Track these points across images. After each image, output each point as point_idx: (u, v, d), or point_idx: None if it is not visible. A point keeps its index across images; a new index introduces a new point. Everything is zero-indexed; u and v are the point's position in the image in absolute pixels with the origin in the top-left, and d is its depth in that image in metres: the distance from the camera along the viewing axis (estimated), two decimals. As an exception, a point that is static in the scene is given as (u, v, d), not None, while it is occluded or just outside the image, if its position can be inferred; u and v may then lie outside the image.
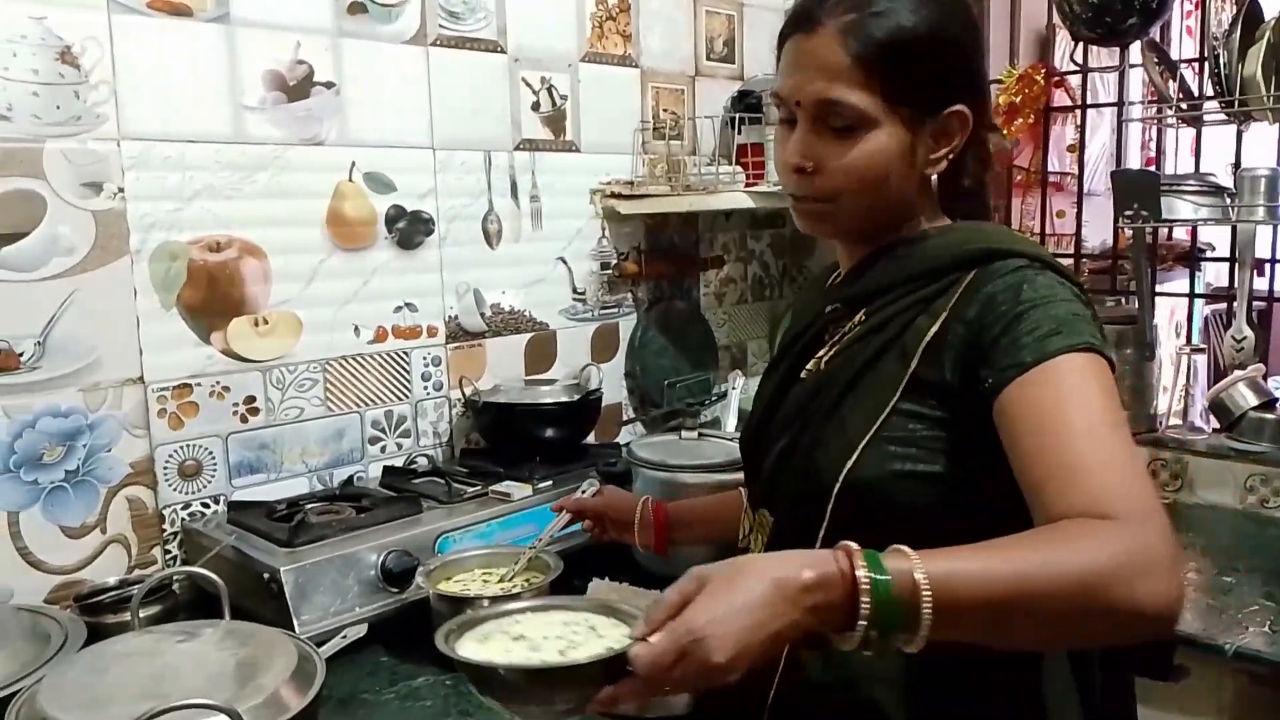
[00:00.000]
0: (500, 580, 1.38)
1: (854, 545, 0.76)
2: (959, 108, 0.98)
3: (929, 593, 0.72)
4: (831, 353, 1.04)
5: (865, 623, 0.73)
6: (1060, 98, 2.33)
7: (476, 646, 0.91)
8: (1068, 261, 2.32)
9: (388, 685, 1.25)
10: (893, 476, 0.93)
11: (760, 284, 2.50)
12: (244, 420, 1.62)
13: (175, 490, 1.55)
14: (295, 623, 1.29)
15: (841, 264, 1.11)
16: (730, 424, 2.01)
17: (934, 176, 1.02)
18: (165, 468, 1.54)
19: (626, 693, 0.77)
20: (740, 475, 1.53)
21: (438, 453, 1.88)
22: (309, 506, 1.54)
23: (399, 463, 1.80)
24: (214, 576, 1.23)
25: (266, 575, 1.33)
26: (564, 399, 1.81)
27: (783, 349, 1.14)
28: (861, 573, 0.73)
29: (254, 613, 1.30)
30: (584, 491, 1.41)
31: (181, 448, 1.55)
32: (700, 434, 1.69)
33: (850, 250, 1.08)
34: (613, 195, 2.07)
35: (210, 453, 1.58)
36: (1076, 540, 0.76)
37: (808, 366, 1.07)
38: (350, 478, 1.74)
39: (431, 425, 1.87)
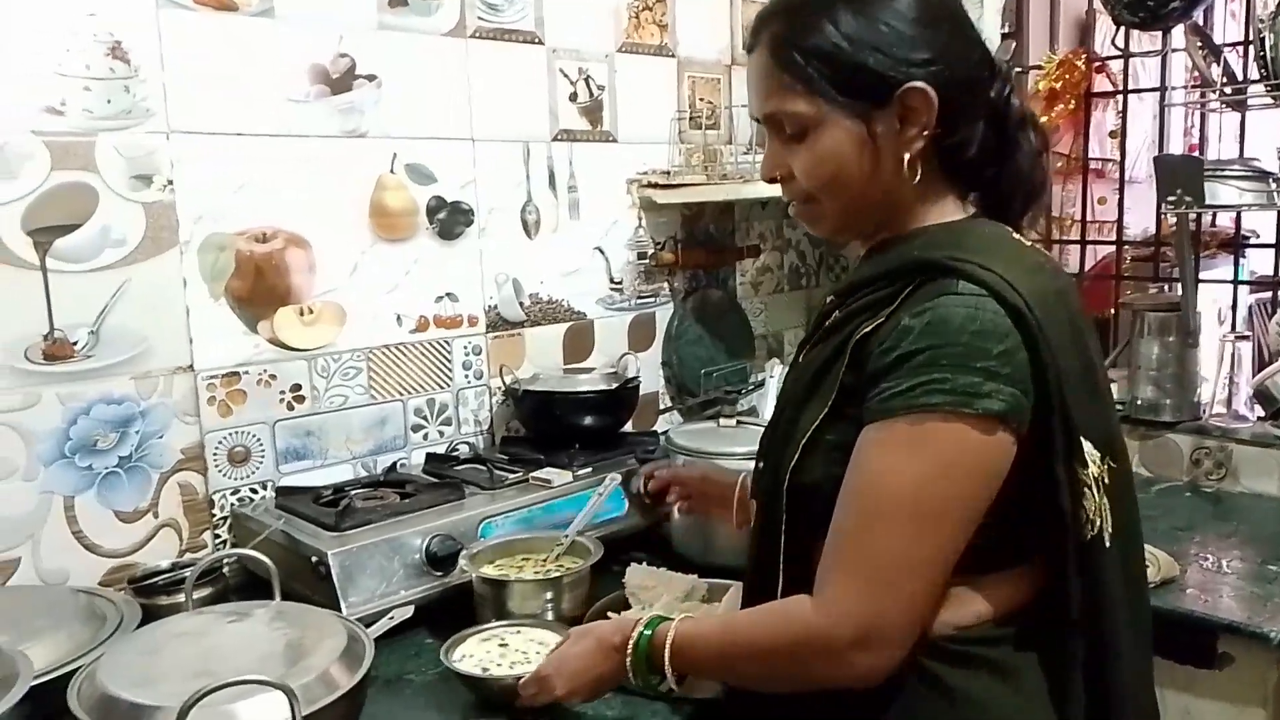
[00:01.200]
0: (541, 564, 1.40)
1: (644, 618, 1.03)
2: (914, 85, 0.93)
3: (669, 652, 0.99)
4: (809, 347, 1.06)
5: (630, 670, 1.02)
6: (1101, 83, 2.30)
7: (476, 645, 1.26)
8: (1105, 250, 2.30)
9: (433, 666, 1.27)
10: (828, 480, 0.93)
11: (797, 273, 2.50)
12: (290, 408, 1.65)
13: (225, 476, 1.58)
14: (343, 605, 1.32)
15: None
16: (767, 412, 2.01)
17: (933, 160, 0.98)
18: (215, 454, 1.57)
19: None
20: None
21: (479, 440, 1.90)
22: (354, 492, 1.56)
23: (441, 450, 1.82)
24: (265, 559, 1.26)
25: (314, 558, 1.36)
26: (602, 387, 1.83)
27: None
28: (633, 635, 1.02)
29: (302, 595, 1.33)
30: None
31: (230, 434, 1.59)
32: (739, 421, 1.70)
33: (862, 246, 1.08)
34: (649, 185, 2.08)
35: (258, 439, 1.62)
36: (778, 626, 0.94)
37: (804, 353, 1.09)
38: (394, 464, 1.76)
39: (473, 413, 1.89)
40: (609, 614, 1.31)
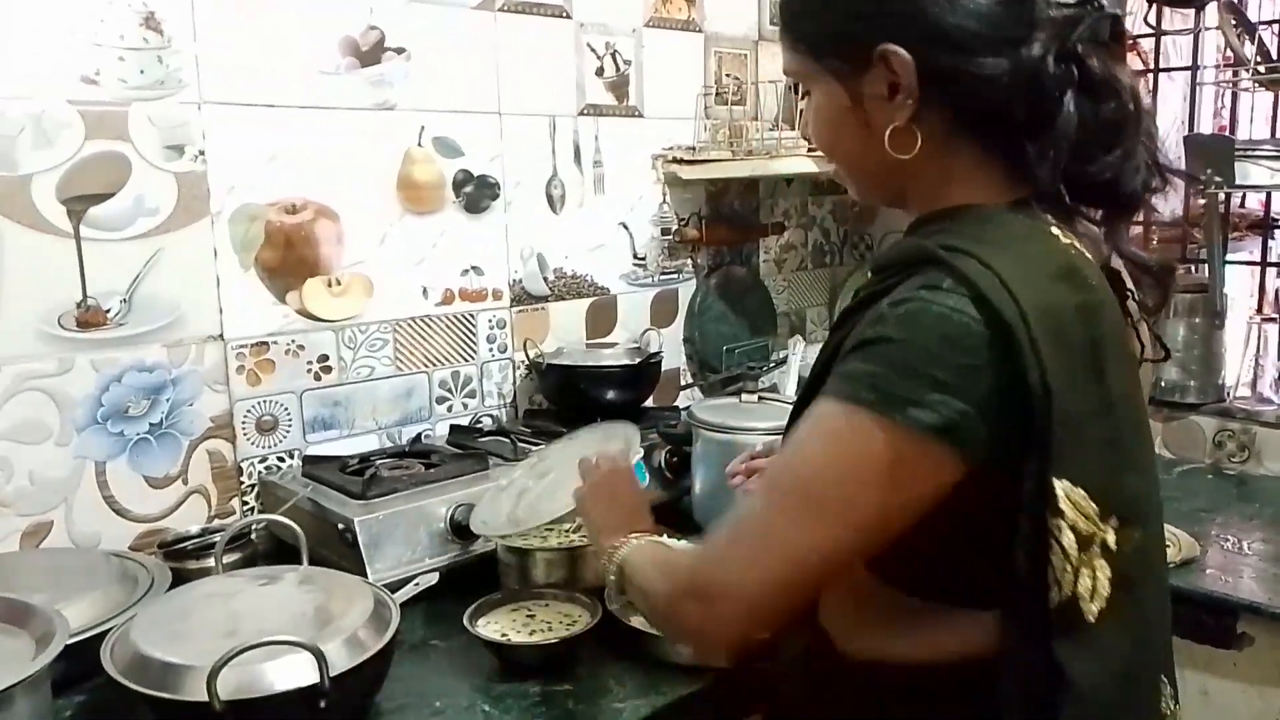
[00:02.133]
0: (565, 535, 1.42)
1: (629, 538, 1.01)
2: (887, 46, 0.82)
3: (616, 563, 1.00)
4: (831, 332, 0.99)
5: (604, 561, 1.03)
6: (1132, 62, 2.28)
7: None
8: (1136, 230, 2.28)
9: (458, 633, 1.29)
10: None
11: (821, 251, 2.49)
12: (318, 378, 1.67)
13: (253, 444, 1.61)
14: (369, 571, 1.34)
15: None
16: (790, 389, 2.02)
17: (955, 130, 0.85)
18: (243, 422, 1.59)
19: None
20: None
21: (502, 413, 1.92)
22: (380, 462, 1.58)
23: (465, 422, 1.84)
24: (293, 524, 1.28)
25: (341, 526, 1.38)
26: (625, 362, 1.84)
27: None
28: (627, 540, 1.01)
29: (329, 562, 1.36)
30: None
31: (259, 403, 1.61)
32: (761, 397, 1.70)
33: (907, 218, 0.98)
34: (675, 161, 2.08)
35: (286, 409, 1.64)
36: (667, 569, 0.93)
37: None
38: (418, 435, 1.78)
39: (496, 386, 1.91)
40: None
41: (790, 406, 1.34)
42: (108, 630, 1.13)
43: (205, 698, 0.97)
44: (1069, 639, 0.77)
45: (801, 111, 1.03)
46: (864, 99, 0.86)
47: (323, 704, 1.01)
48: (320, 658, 0.99)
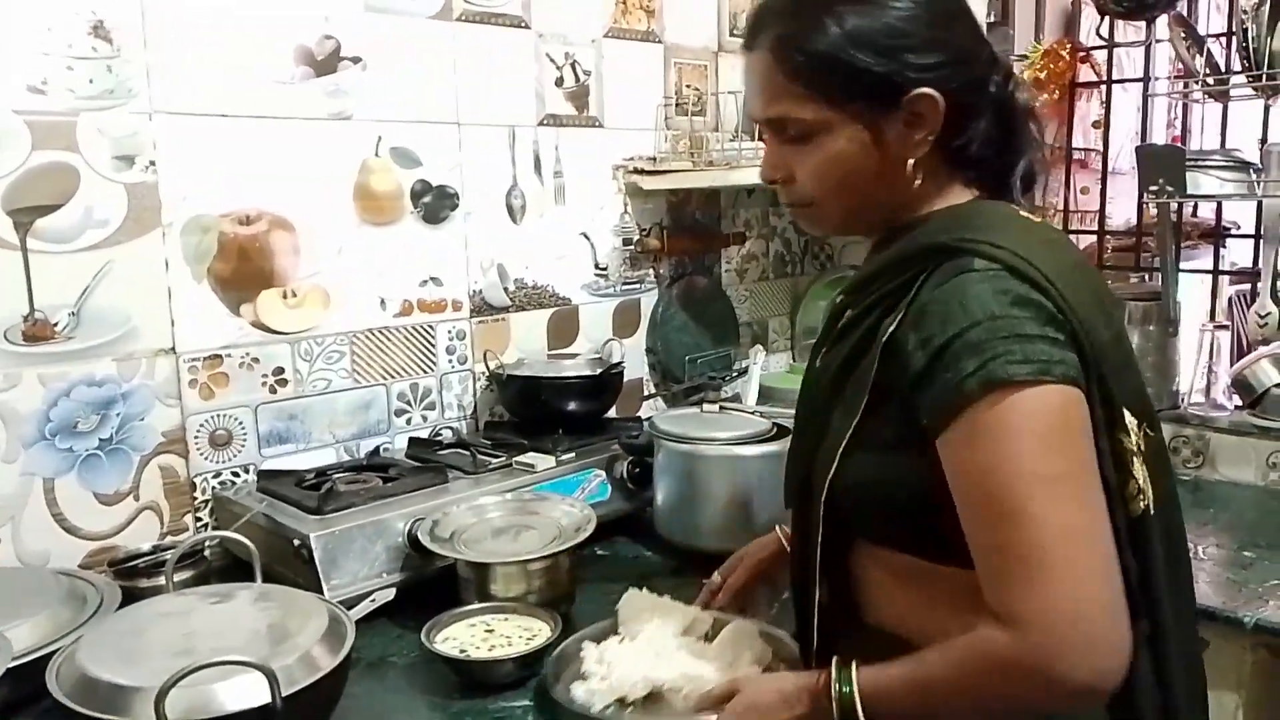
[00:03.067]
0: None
1: (834, 661, 0.91)
2: (923, 91, 0.92)
3: (861, 707, 0.89)
4: (827, 348, 1.03)
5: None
6: (1086, 73, 2.31)
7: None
8: (1088, 240, 2.32)
9: (415, 649, 1.27)
10: (873, 484, 0.93)
11: (782, 261, 2.50)
12: (273, 391, 1.65)
13: (206, 459, 1.58)
14: (325, 587, 1.32)
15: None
16: (751, 399, 2.02)
17: (937, 155, 0.96)
18: (196, 437, 1.57)
19: None
20: (761, 449, 1.55)
21: (462, 425, 1.90)
22: (337, 476, 1.56)
23: (424, 434, 1.82)
24: (246, 541, 1.26)
25: (297, 541, 1.36)
26: (587, 373, 1.83)
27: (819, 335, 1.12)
28: (833, 688, 0.90)
29: (285, 578, 1.33)
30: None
31: (213, 417, 1.58)
32: (722, 408, 1.70)
33: (867, 240, 1.07)
34: (635, 171, 2.08)
35: (240, 423, 1.61)
36: (977, 667, 0.84)
37: (820, 356, 1.06)
38: (377, 448, 1.76)
39: (456, 398, 1.89)
40: (586, 644, 1.16)
41: (752, 417, 1.36)
42: (54, 651, 1.11)
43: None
44: (1146, 535, 0.90)
45: (770, 153, 1.02)
46: (884, 138, 0.94)
47: (276, 725, 0.99)
48: (272, 677, 0.97)
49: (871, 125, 0.93)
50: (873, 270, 0.99)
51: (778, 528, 1.28)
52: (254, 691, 0.99)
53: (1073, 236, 2.29)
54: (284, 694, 0.98)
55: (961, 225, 0.93)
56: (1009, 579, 0.81)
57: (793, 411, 1.09)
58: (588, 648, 1.14)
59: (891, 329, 0.90)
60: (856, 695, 0.89)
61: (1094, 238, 2.32)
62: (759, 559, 1.29)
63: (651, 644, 1.14)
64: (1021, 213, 0.98)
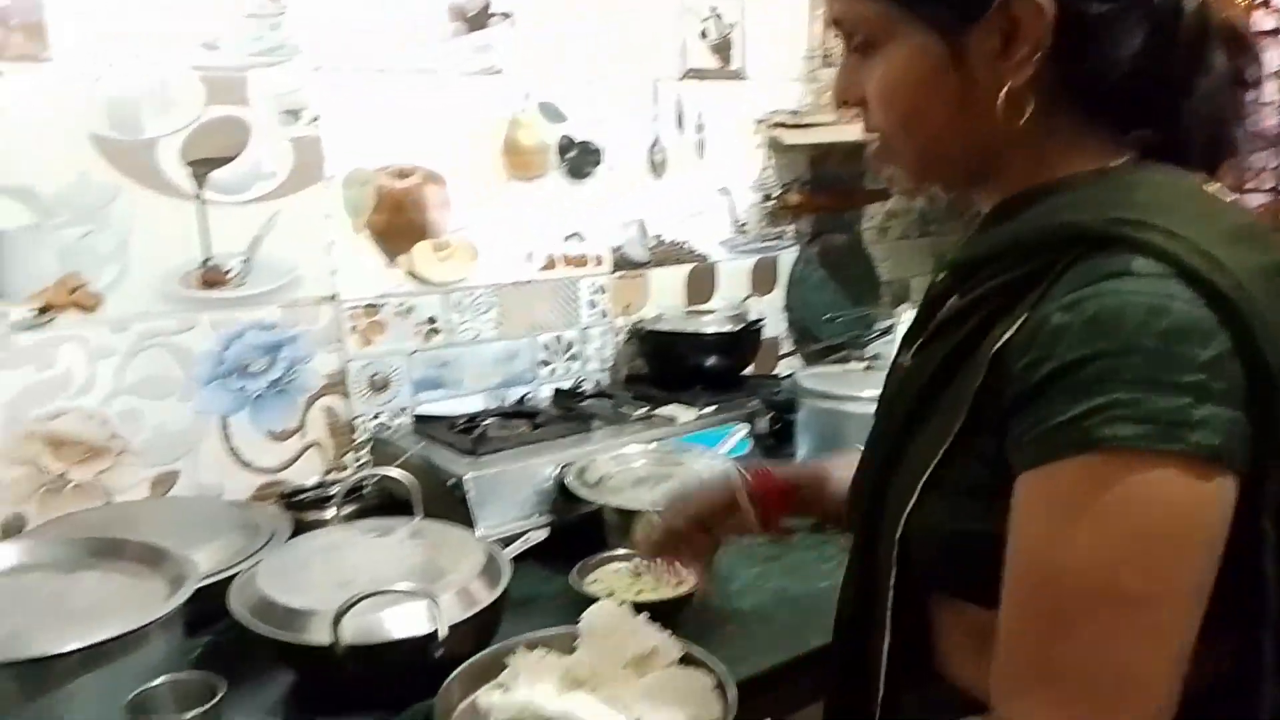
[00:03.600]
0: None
1: None
2: None
3: None
4: (919, 345, 0.80)
5: None
6: (1262, 21, 2.16)
7: None
8: (1263, 199, 2.17)
9: (562, 590, 1.31)
10: (951, 535, 0.71)
11: (925, 219, 2.44)
12: (426, 339, 1.71)
13: (365, 402, 1.65)
14: (478, 526, 1.37)
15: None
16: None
17: (1062, 89, 0.71)
18: (356, 381, 1.64)
19: None
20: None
21: (602, 377, 1.93)
22: (487, 421, 1.61)
23: (567, 385, 1.86)
24: (408, 478, 1.31)
25: (451, 481, 1.41)
26: (725, 329, 1.83)
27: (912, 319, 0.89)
28: None
29: (439, 517, 1.38)
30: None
31: (371, 363, 1.65)
32: (868, 365, 1.68)
33: (982, 197, 0.80)
34: (778, 125, 2.05)
35: (396, 368, 1.68)
36: None
37: (910, 353, 0.81)
38: (523, 397, 1.81)
39: (597, 351, 1.92)
40: (519, 649, 1.07)
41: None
42: (234, 575, 1.18)
43: (327, 641, 1.00)
44: None
45: (843, 69, 0.80)
46: (968, 56, 0.71)
47: (438, 653, 1.03)
48: (437, 607, 1.02)
49: (949, 36, 0.71)
50: (985, 252, 0.75)
51: (731, 477, 1.08)
52: (417, 621, 1.05)
53: (1247, 196, 2.16)
54: (445, 624, 1.02)
55: (1116, 201, 0.68)
56: (1022, 687, 0.65)
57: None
58: (519, 652, 1.05)
59: (1006, 337, 0.67)
60: None
61: (1270, 196, 2.18)
62: (705, 507, 1.08)
63: (576, 669, 1.03)
64: (1203, 187, 0.72)
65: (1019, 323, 0.66)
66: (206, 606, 1.15)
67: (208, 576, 1.16)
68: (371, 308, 1.64)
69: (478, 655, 1.08)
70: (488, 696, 1.01)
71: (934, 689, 0.78)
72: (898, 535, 0.73)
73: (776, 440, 1.69)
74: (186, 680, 0.91)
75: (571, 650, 1.08)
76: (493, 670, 1.07)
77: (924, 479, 0.71)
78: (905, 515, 0.72)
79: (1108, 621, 0.61)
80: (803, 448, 1.62)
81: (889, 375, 0.86)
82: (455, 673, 1.05)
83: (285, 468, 1.58)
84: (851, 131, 1.96)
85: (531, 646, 1.08)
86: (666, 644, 1.07)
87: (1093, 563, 0.61)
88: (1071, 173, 0.73)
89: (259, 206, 1.51)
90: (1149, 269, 0.62)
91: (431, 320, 1.71)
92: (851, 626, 0.83)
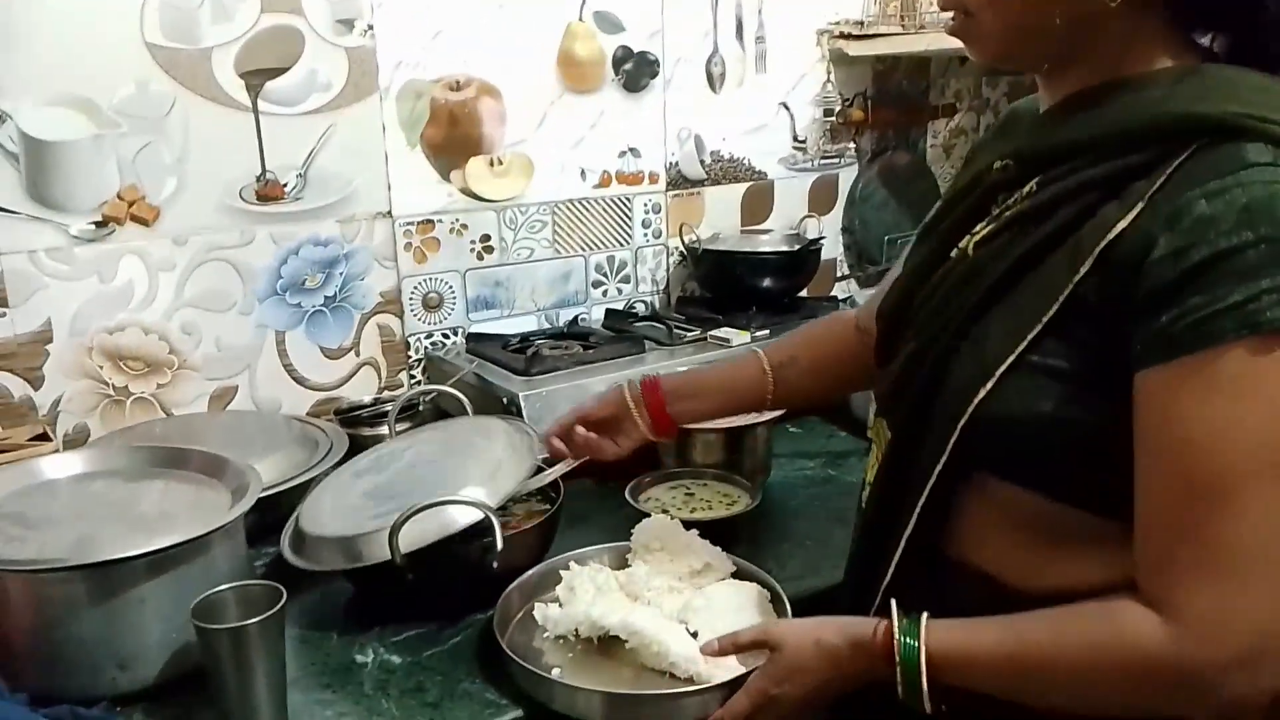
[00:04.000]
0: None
1: (894, 611, 0.78)
2: None
3: (926, 672, 0.75)
4: (987, 231, 0.80)
5: (901, 689, 0.77)
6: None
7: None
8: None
9: (616, 508, 1.31)
10: (1038, 419, 0.71)
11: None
12: (480, 258, 1.69)
13: (419, 320, 1.65)
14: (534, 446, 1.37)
15: (1042, 101, 0.82)
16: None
17: None
18: (410, 299, 1.64)
19: None
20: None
21: (654, 299, 1.91)
22: (540, 341, 1.61)
23: (619, 307, 1.84)
24: (462, 396, 1.32)
25: (506, 399, 1.41)
26: (784, 249, 1.80)
27: (940, 210, 0.89)
28: (895, 644, 0.77)
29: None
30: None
31: (424, 281, 1.65)
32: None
33: (1049, 88, 0.80)
34: (841, 36, 1.97)
35: (450, 287, 1.67)
36: (1106, 648, 0.70)
37: (959, 244, 0.82)
38: (575, 318, 1.80)
39: (650, 272, 1.90)
40: (572, 564, 1.09)
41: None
42: (296, 485, 1.20)
43: (386, 555, 1.01)
44: None
45: None
46: None
47: (495, 564, 1.04)
48: (494, 520, 1.02)
49: None
50: (1077, 139, 0.75)
51: (625, 389, 1.11)
52: (475, 533, 1.05)
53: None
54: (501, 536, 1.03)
55: (1225, 95, 0.69)
56: (1188, 568, 0.66)
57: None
58: (573, 568, 1.08)
59: (1122, 226, 0.68)
60: (922, 657, 0.75)
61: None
62: (597, 409, 1.12)
63: (631, 583, 1.05)
64: None
65: (1134, 213, 0.67)
66: (268, 518, 1.17)
67: (270, 487, 1.18)
68: (426, 224, 1.63)
69: (534, 568, 1.09)
70: (544, 609, 1.03)
71: (945, 573, 0.81)
72: (962, 421, 0.74)
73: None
74: (250, 588, 0.93)
75: (625, 565, 1.09)
76: (548, 583, 1.09)
77: (1003, 367, 0.72)
78: (976, 401, 0.73)
79: (1274, 488, 0.63)
80: (860, 371, 1.59)
81: (921, 262, 0.86)
82: (513, 584, 1.06)
83: (340, 385, 1.59)
84: (918, 43, 1.89)
85: (584, 562, 1.09)
86: (719, 558, 1.09)
87: (1263, 441, 0.63)
88: (1153, 69, 0.73)
89: (314, 119, 1.50)
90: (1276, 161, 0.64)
91: (485, 238, 1.69)
92: (878, 513, 0.85)
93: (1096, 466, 0.71)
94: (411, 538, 1.01)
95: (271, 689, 0.90)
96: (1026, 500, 0.75)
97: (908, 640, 0.76)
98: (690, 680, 0.93)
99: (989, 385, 0.73)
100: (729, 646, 0.91)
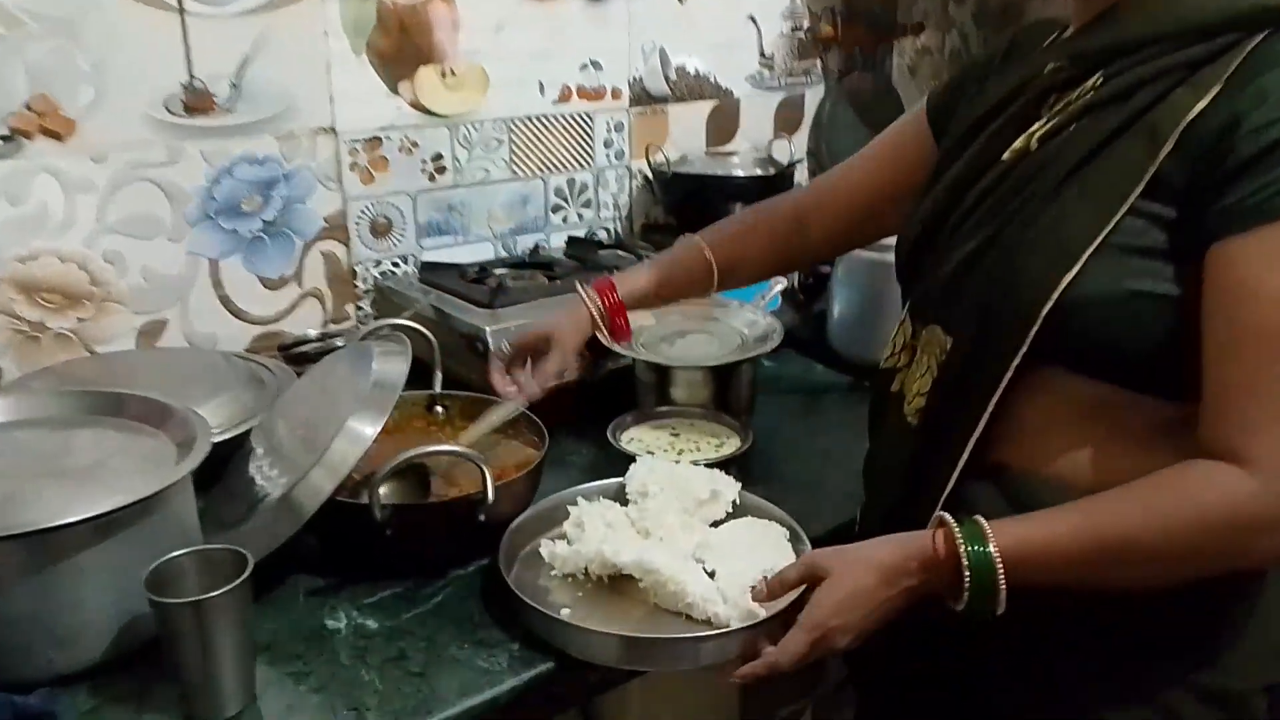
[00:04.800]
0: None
1: (947, 518, 0.77)
2: None
3: (1003, 569, 0.74)
4: (1049, 126, 0.81)
5: (968, 596, 0.75)
6: None
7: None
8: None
9: (595, 451, 1.23)
10: (1125, 297, 0.73)
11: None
12: (432, 179, 1.56)
13: (367, 246, 1.52)
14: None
15: (1075, 16, 0.85)
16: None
17: None
18: (357, 223, 1.51)
19: (756, 669, 0.82)
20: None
21: (617, 226, 1.80)
22: (501, 271, 1.49)
23: (580, 234, 1.73)
24: (425, 331, 1.20)
25: (471, 335, 1.30)
26: (758, 172, 1.70)
27: (972, 125, 0.90)
28: (962, 552, 0.75)
29: (454, 373, 1.28)
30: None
31: (372, 204, 1.51)
32: (912, 212, 1.56)
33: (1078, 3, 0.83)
34: (812, -53, 1.87)
35: (400, 210, 1.54)
36: (1194, 510, 0.71)
37: (1014, 145, 0.84)
38: (535, 246, 1.68)
39: (613, 196, 1.79)
40: (580, 499, 1.02)
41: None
42: (246, 432, 1.09)
43: (375, 515, 0.91)
44: None
45: None
46: None
47: (482, 516, 0.95)
48: (483, 468, 0.93)
49: None
50: (1147, 31, 0.77)
51: (586, 299, 1.14)
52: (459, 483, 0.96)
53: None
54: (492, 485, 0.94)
55: None
56: (1267, 421, 0.69)
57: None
58: (580, 504, 1.01)
59: (1201, 105, 0.71)
60: (997, 558, 0.73)
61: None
62: (548, 328, 1.14)
63: (640, 519, 0.99)
64: None
65: (1211, 94, 0.71)
66: (217, 465, 1.06)
67: (219, 433, 1.06)
68: (373, 141, 1.49)
69: (537, 506, 1.02)
70: (551, 546, 0.97)
71: (992, 481, 0.81)
72: (1046, 308, 0.74)
73: (806, 296, 1.59)
74: (210, 553, 0.82)
75: (626, 504, 1.02)
76: (547, 524, 1.02)
77: (1091, 248, 0.73)
78: (1062, 286, 0.74)
79: None
80: (838, 303, 1.52)
81: (968, 173, 0.86)
82: (515, 523, 0.99)
83: (282, 318, 1.46)
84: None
85: (591, 498, 1.03)
86: (726, 483, 1.04)
87: None
88: None
89: (248, 21, 1.34)
90: None
91: (438, 158, 1.56)
92: (932, 428, 0.84)
93: (1172, 347, 0.73)
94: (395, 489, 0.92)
95: (239, 663, 0.80)
96: (1097, 394, 0.77)
97: (974, 546, 0.74)
98: (708, 623, 0.87)
99: (1075, 268, 0.73)
100: (778, 587, 0.86)
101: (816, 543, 0.99)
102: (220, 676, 0.79)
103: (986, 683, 0.85)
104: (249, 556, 0.80)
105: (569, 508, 1.00)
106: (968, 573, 0.74)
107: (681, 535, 0.96)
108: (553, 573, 0.96)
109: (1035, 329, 0.75)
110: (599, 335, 1.16)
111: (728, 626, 0.86)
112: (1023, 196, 0.80)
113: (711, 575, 0.92)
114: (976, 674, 0.86)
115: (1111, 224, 0.73)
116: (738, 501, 1.03)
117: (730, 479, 1.05)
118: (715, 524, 1.01)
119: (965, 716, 0.88)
